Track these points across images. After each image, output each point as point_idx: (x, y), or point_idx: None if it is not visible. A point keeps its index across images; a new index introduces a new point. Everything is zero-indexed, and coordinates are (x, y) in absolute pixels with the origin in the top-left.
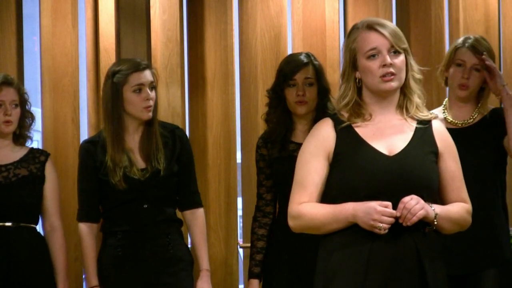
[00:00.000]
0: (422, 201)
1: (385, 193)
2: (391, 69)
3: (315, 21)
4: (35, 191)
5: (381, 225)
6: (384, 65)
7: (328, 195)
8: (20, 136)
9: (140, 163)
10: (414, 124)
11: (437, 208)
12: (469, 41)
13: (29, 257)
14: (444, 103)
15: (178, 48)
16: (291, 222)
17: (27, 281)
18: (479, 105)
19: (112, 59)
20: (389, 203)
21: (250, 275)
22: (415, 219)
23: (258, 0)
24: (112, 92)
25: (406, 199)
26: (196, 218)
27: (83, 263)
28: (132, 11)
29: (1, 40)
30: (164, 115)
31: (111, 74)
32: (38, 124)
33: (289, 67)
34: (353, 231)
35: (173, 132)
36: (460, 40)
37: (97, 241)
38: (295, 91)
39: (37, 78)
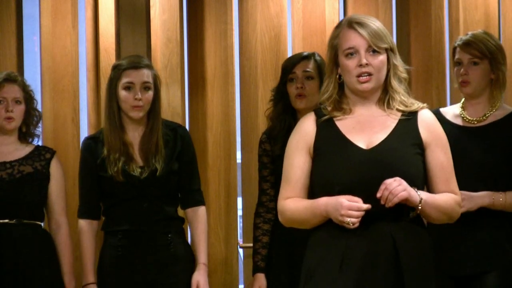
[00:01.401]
0: (405, 183)
1: (359, 187)
2: (367, 69)
3: (315, 21)
4: (39, 188)
5: (348, 219)
6: (360, 65)
7: (312, 190)
8: (26, 134)
9: (139, 161)
10: (398, 117)
11: (423, 194)
12: (464, 38)
13: (34, 254)
14: (462, 100)
15: (178, 48)
16: (279, 217)
17: (33, 278)
18: (491, 100)
19: (112, 59)
20: (358, 198)
21: (256, 269)
22: (396, 200)
23: (258, 0)
24: (109, 87)
25: (389, 180)
26: (198, 216)
27: (81, 259)
28: (132, 11)
29: (1, 40)
30: (164, 115)
31: (112, 68)
32: None
33: (289, 61)
34: (333, 226)
35: (175, 131)
36: (458, 38)
37: (98, 239)
38: (295, 84)
39: (37, 78)
